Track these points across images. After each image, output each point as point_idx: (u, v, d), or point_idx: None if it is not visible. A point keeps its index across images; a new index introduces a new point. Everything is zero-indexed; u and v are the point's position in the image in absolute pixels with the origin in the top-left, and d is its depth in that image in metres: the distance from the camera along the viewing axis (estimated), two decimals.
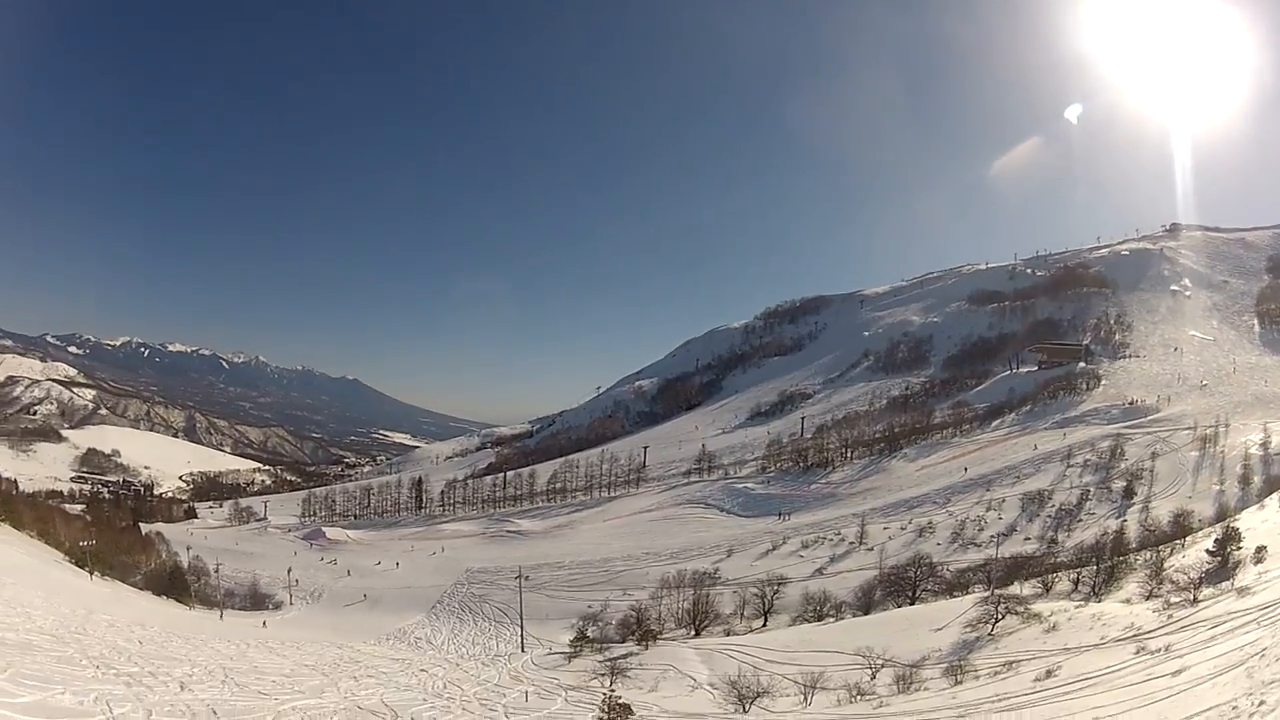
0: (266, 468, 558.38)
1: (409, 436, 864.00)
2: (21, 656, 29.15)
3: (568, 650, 79.68)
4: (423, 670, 64.11)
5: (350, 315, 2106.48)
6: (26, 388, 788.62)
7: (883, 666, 50.25)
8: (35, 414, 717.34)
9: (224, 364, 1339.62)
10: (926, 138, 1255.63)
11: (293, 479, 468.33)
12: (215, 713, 27.67)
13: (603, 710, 34.42)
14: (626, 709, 35.39)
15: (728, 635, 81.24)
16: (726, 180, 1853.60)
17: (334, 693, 40.76)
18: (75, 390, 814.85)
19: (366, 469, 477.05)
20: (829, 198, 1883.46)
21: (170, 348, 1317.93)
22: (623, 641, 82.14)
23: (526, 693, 52.36)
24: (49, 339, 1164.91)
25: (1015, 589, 73.06)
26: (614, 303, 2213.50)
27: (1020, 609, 58.34)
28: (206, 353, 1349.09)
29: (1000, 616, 57.01)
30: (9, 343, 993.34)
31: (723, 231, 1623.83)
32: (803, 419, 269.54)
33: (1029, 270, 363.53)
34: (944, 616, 61.40)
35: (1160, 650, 39.35)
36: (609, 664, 64.17)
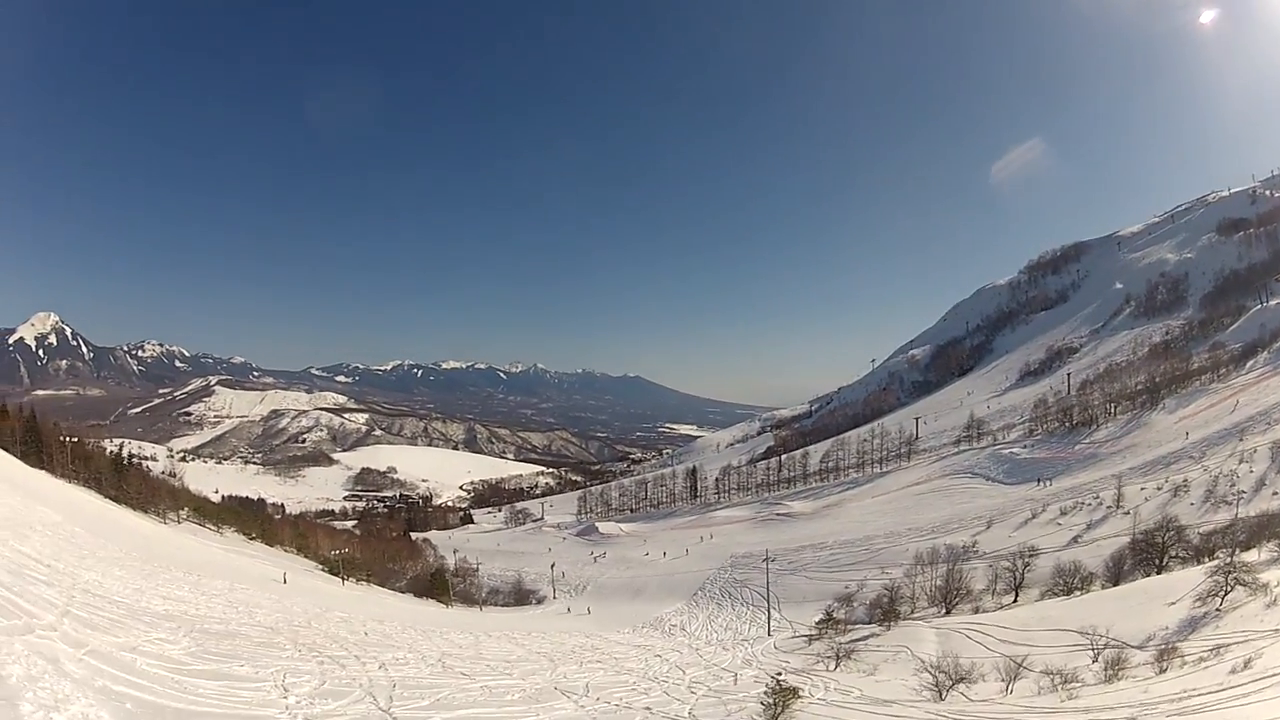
0: (550, 470, 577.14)
1: (695, 427, 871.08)
2: (220, 642, 32.68)
3: (811, 633, 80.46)
4: (658, 656, 66.61)
5: (627, 314, 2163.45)
6: (293, 419, 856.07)
7: (1105, 648, 47.49)
8: (304, 441, 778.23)
9: (501, 375, 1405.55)
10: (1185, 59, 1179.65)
11: (576, 479, 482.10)
12: (395, 685, 30.84)
13: (768, 693, 35.24)
14: (793, 692, 35.87)
15: (976, 612, 79.67)
16: (995, 132, 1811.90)
17: (544, 677, 43.58)
18: (346, 416, 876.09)
19: (651, 463, 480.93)
20: (1087, 135, 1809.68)
21: (444, 366, 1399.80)
22: (869, 622, 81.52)
23: (737, 675, 53.45)
24: (314, 372, 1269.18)
25: (1254, 554, 67.33)
26: (886, 272, 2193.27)
27: (1248, 579, 52.24)
28: (482, 366, 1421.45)
29: (1229, 588, 51.65)
30: (270, 380, 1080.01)
31: (987, 185, 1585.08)
32: (1068, 375, 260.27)
33: (1268, 192, 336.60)
34: (1179, 589, 56.87)
35: None
36: (837, 646, 63.96)
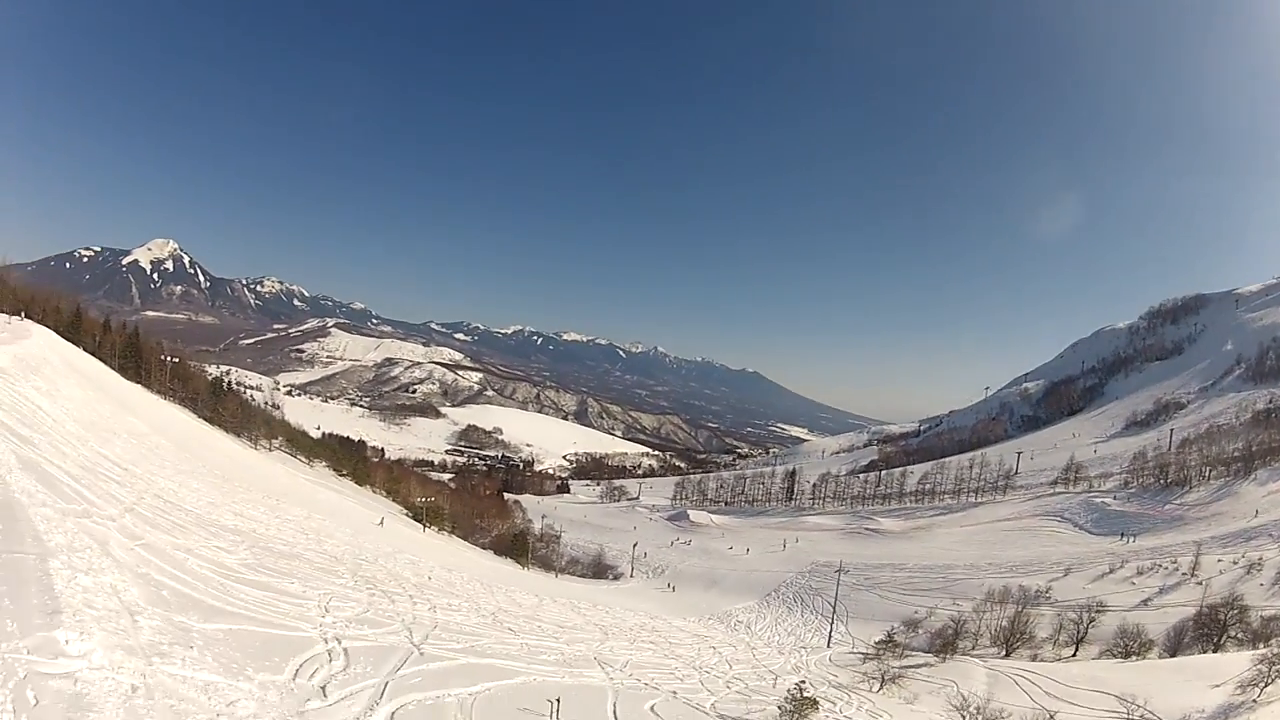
0: (655, 453, 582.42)
1: (805, 431, 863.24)
2: (279, 560, 34.84)
3: (869, 651, 79.61)
4: (712, 647, 68.00)
5: (752, 309, 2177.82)
6: (406, 369, 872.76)
7: None
8: (414, 392, 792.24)
9: (621, 353, 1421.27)
10: None
11: (680, 465, 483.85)
12: (436, 626, 32.72)
13: (787, 699, 35.81)
14: (812, 704, 36.64)
15: (1033, 659, 79.91)
16: (1116, 172, 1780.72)
17: (589, 646, 45.23)
18: (459, 372, 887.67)
19: (757, 459, 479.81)
20: (1217, 185, 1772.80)
21: (564, 336, 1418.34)
22: (928, 651, 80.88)
23: (777, 679, 54.08)
24: (434, 326, 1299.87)
25: None
26: (1011, 300, 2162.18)
27: None
28: (603, 342, 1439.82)
29: (1270, 680, 50.07)
30: (387, 328, 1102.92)
31: (1114, 223, 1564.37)
32: (1171, 431, 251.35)
33: None
34: (1227, 671, 55.17)
35: None
36: (884, 670, 63.49)
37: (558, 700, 24.70)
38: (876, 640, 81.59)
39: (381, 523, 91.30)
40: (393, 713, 19.03)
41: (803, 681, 42.51)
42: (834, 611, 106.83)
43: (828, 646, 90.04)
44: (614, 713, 28.55)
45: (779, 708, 35.25)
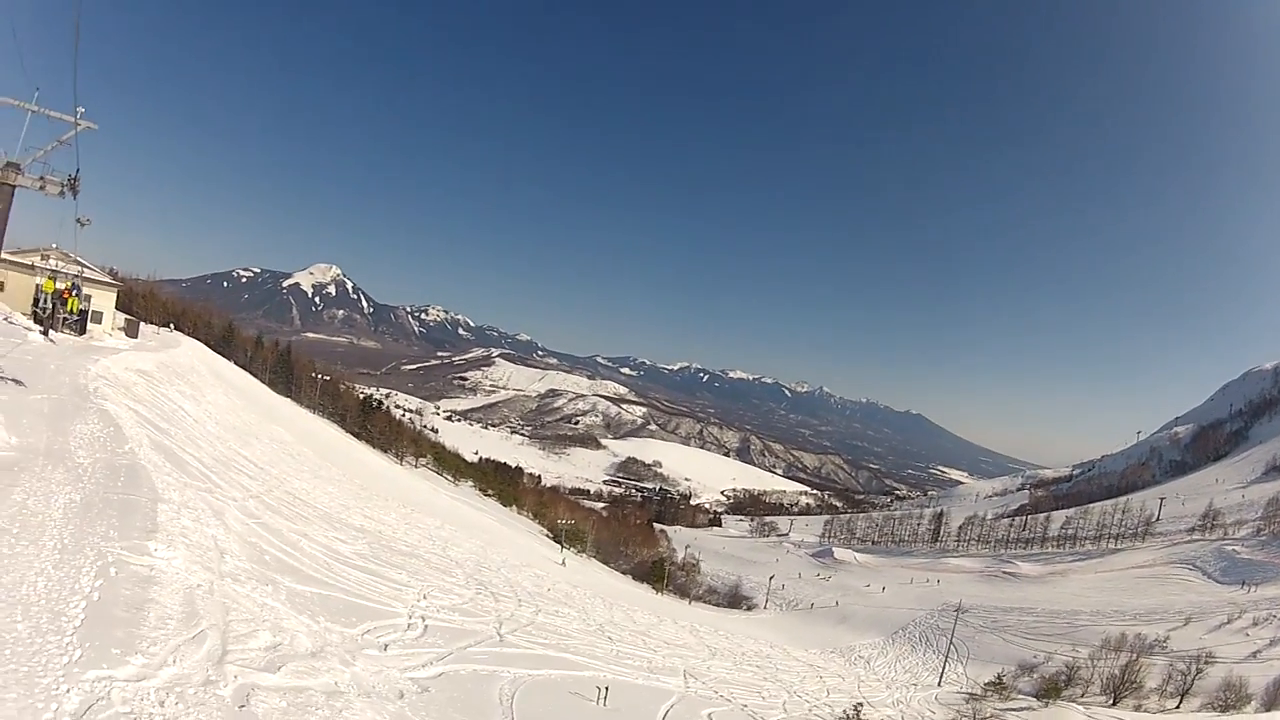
0: (814, 492, 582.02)
1: (965, 474, 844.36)
2: (396, 555, 37.58)
3: (976, 693, 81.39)
4: (819, 678, 69.41)
5: (916, 350, 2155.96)
6: (570, 400, 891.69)
7: None
8: (577, 423, 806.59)
9: (786, 392, 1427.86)
10: None
11: (836, 504, 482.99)
12: (530, 624, 35.46)
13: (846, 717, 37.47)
14: None
15: (1137, 709, 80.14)
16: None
17: (686, 662, 46.90)
18: (623, 406, 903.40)
19: (915, 501, 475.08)
20: None
21: (730, 374, 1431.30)
22: (1035, 695, 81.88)
23: (860, 708, 53.82)
24: (599, 359, 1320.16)
25: None
26: (1161, 344, 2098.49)
27: None
28: (769, 381, 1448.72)
29: None
30: (553, 360, 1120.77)
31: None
32: None
33: None
34: None
35: None
36: (974, 711, 65.30)
37: (605, 689, 26.40)
38: (986, 683, 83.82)
39: (563, 563, 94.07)
40: (440, 673, 20.49)
41: (861, 704, 43.83)
42: (947, 651, 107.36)
43: (938, 685, 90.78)
44: (665, 712, 30.15)
45: None
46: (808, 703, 49.25)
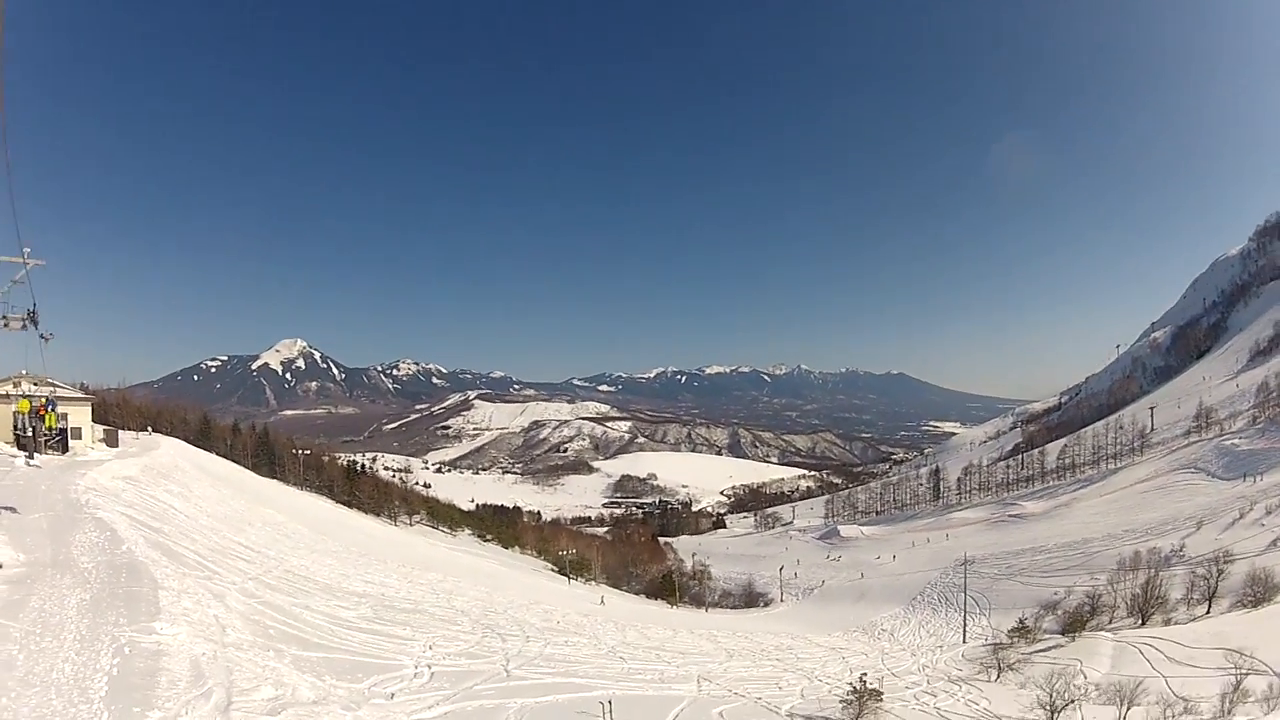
0: (811, 474, 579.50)
1: (958, 424, 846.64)
2: (399, 614, 38.47)
3: (998, 642, 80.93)
4: (843, 659, 70.06)
5: (887, 309, 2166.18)
6: (554, 429, 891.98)
7: (1247, 674, 45.16)
8: (565, 451, 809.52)
9: (765, 378, 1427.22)
10: None
11: (836, 481, 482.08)
12: (538, 656, 36.78)
13: (849, 693, 38.38)
14: (875, 694, 39.51)
15: (1167, 624, 77.13)
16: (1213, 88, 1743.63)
17: (700, 667, 48.11)
18: (608, 424, 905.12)
19: (913, 462, 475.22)
20: None
21: (708, 370, 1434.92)
22: (1061, 632, 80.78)
23: (884, 678, 54.55)
24: (576, 382, 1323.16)
25: None
26: (1126, 249, 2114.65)
27: None
28: (746, 370, 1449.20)
29: None
30: (531, 392, 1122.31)
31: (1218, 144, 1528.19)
32: None
33: None
34: None
35: None
36: (998, 659, 64.72)
37: (610, 703, 27.10)
38: (1010, 629, 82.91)
39: (602, 601, 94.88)
40: (446, 712, 21.83)
41: (865, 674, 44.49)
42: (964, 606, 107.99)
43: (964, 642, 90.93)
44: (675, 716, 30.81)
45: (841, 700, 38.03)
46: (827, 685, 49.88)
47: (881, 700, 39.80)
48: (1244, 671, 45.48)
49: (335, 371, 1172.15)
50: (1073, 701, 43.87)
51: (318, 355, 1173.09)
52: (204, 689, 14.66)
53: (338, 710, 17.43)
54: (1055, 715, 42.19)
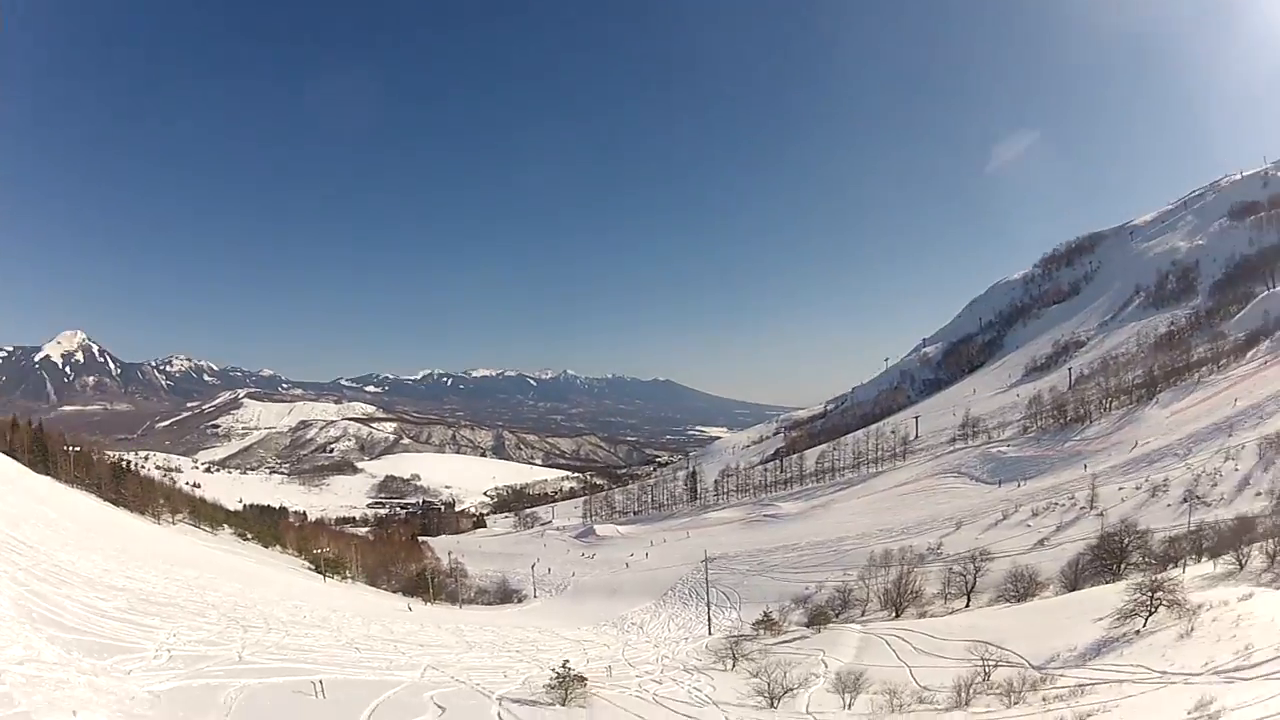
0: (575, 475, 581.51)
1: (725, 430, 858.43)
2: (153, 606, 41.00)
3: (744, 634, 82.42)
4: (584, 651, 72.35)
5: (656, 319, 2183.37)
6: (321, 429, 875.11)
7: (995, 666, 45.05)
8: (332, 451, 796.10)
9: (531, 382, 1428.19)
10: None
11: (600, 483, 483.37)
12: (277, 646, 39.56)
13: (553, 677, 41.76)
14: (579, 679, 41.53)
15: (922, 617, 79.86)
16: (1004, 127, 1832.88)
17: (435, 657, 50.05)
18: (374, 425, 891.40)
19: (676, 464, 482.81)
20: (1098, 126, 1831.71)
21: (474, 374, 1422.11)
22: (808, 625, 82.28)
23: (611, 667, 58.17)
24: (343, 383, 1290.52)
25: (1210, 566, 64.67)
26: (908, 269, 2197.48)
27: (1172, 599, 46.79)
28: (512, 374, 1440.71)
29: (1153, 609, 46.61)
30: (299, 391, 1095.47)
31: (1001, 179, 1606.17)
32: (1070, 370, 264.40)
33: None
34: (1108, 604, 51.58)
35: None
36: (731, 649, 65.85)
37: (320, 682, 29.05)
38: (755, 621, 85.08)
39: (409, 609, 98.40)
40: (175, 686, 23.17)
41: (567, 661, 46.02)
42: (708, 599, 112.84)
43: (709, 634, 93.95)
44: (386, 697, 31.29)
45: (544, 686, 40.56)
46: (556, 675, 51.93)
47: (585, 685, 41.61)
48: (992, 662, 45.84)
49: (112, 366, 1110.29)
50: (790, 690, 46.09)
51: (95, 348, 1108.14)
52: None
53: (74, 673, 19.74)
54: (775, 702, 44.58)
